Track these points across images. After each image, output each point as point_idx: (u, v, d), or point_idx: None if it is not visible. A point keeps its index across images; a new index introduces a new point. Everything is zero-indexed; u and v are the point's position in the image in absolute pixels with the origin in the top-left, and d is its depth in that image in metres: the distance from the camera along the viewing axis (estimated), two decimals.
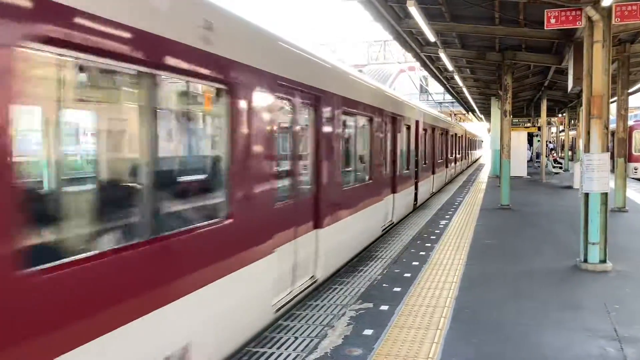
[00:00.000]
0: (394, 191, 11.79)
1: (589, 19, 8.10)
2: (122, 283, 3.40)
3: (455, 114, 46.69)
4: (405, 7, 10.26)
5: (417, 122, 14.75)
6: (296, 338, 5.22)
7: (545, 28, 8.82)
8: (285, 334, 5.34)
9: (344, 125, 8.29)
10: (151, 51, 3.66)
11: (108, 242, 3.52)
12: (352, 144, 9.11)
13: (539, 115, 27.85)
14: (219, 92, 4.63)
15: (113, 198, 3.86)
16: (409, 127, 13.82)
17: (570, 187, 20.26)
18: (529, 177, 26.32)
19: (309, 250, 6.71)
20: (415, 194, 14.84)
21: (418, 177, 14.97)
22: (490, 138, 30.24)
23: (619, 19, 8.20)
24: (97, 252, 3.31)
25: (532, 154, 38.90)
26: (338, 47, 32.75)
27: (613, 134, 17.12)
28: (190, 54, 4.09)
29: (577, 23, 8.51)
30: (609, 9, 8.00)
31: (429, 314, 5.89)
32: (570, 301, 6.46)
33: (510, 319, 5.81)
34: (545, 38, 12.59)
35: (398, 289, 6.87)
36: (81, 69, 3.42)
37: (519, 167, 25.20)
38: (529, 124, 30.88)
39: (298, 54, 6.56)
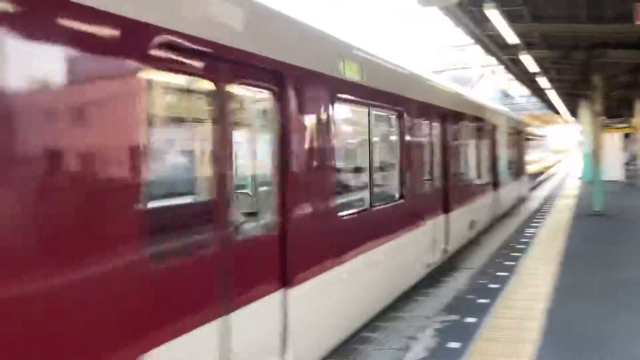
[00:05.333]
0: (495, 189, 13.60)
1: None
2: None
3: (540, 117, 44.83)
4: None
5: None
6: (380, 350, 5.18)
7: (636, 22, 8.36)
8: (369, 345, 5.31)
9: (462, 136, 10.36)
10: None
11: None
12: (467, 150, 11.13)
13: (632, 115, 26.20)
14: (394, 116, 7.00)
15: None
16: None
17: None
18: (625, 181, 24.76)
19: (442, 228, 8.84)
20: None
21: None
22: (582, 141, 28.73)
23: None
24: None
25: (629, 155, 36.57)
26: (413, 53, 32.45)
27: None
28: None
29: None
30: None
31: (519, 328, 5.65)
32: None
33: (607, 333, 5.46)
34: (636, 33, 11.88)
35: (484, 301, 6.64)
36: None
37: (614, 170, 23.78)
38: (623, 125, 29.11)
39: (427, 80, 8.70)
